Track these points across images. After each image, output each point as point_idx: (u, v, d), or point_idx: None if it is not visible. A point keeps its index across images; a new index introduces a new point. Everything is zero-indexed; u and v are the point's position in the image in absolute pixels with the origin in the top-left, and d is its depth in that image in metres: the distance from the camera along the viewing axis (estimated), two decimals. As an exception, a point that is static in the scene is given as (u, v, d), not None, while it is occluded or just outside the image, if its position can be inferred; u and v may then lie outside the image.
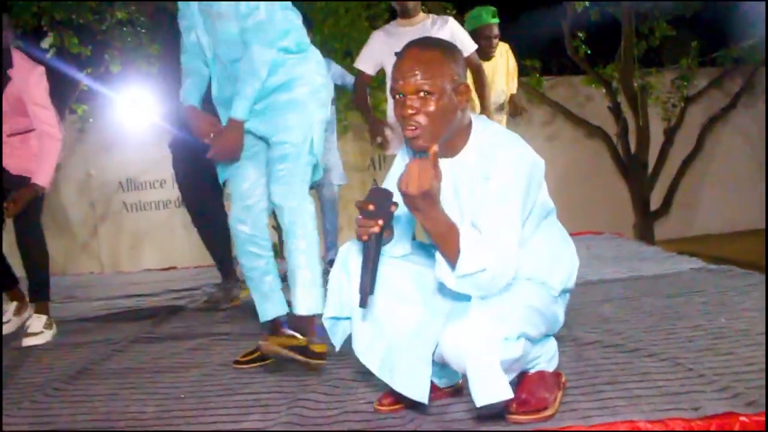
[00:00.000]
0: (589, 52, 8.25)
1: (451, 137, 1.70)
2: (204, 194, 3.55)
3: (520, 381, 1.80)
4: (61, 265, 7.57)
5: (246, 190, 2.49)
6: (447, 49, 1.69)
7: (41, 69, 3.14)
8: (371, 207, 1.61)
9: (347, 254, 1.82)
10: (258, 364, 2.41)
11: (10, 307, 3.39)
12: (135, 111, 8.60)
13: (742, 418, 1.64)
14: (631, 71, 8.02)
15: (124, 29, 7.52)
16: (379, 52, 3.47)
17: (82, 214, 8.68)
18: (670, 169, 8.53)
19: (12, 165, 3.19)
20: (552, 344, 1.87)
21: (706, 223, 9.10)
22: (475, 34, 3.87)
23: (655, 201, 8.35)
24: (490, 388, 1.58)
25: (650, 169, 8.24)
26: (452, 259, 1.58)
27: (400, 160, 1.88)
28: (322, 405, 2.00)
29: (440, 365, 1.80)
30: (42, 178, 3.10)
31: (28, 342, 3.07)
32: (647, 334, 2.46)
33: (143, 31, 7.43)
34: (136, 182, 9.11)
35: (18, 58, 3.13)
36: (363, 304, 1.64)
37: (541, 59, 8.58)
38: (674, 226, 8.80)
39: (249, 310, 2.94)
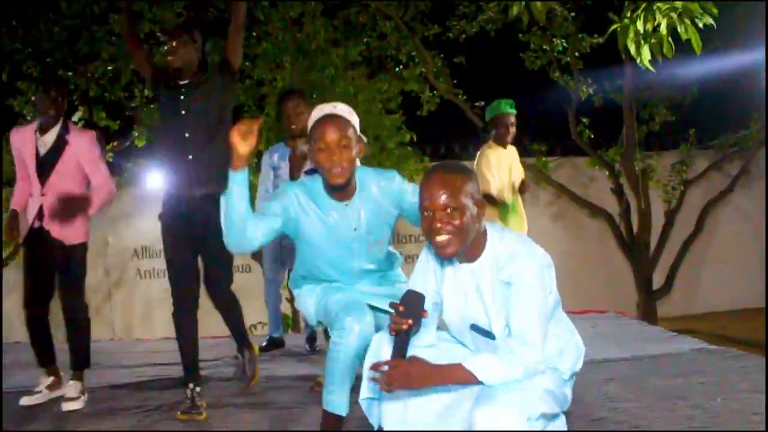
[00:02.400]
0: (592, 136, 8.64)
1: (472, 244, 1.98)
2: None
3: None
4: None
5: None
6: (466, 170, 1.99)
7: (93, 132, 3.58)
8: (402, 309, 1.90)
9: (379, 343, 2.06)
10: None
11: (45, 381, 3.50)
12: (153, 182, 8.97)
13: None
14: (632, 154, 8.38)
15: (151, 106, 7.94)
16: None
17: (96, 280, 8.91)
18: (672, 248, 8.79)
19: (54, 227, 3.41)
20: (562, 420, 2.09)
21: (708, 302, 9.31)
22: (494, 122, 4.49)
23: (658, 280, 8.58)
24: None
25: (652, 249, 8.49)
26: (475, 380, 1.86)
27: (425, 260, 2.14)
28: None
29: None
30: (93, 206, 3.44)
31: (68, 407, 3.26)
32: (650, 413, 2.66)
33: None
34: (150, 250, 9.38)
35: (71, 125, 3.54)
36: None
37: (547, 142, 8.97)
38: (677, 304, 9.00)
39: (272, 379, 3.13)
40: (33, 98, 3.55)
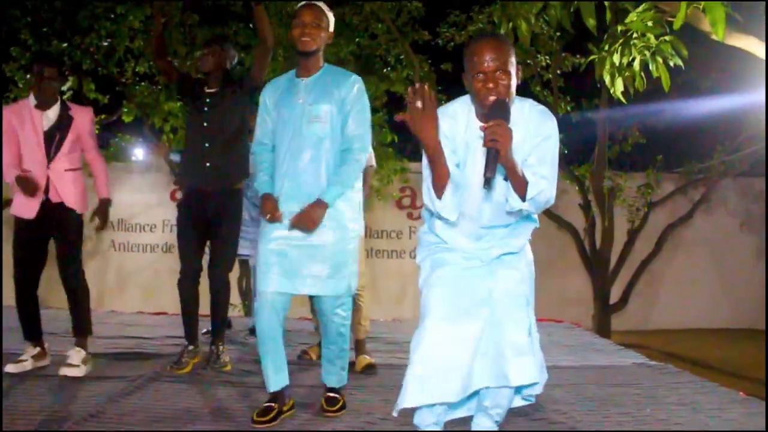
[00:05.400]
0: (566, 151, 8.97)
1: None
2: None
3: None
4: (42, 297, 7.88)
5: None
6: (509, 41, 2.23)
7: (91, 108, 3.88)
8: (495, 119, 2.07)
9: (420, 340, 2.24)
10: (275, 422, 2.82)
11: (30, 351, 3.65)
12: (137, 159, 9.12)
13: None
14: (602, 173, 8.72)
15: (142, 83, 8.10)
16: None
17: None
18: (631, 266, 9.18)
19: (65, 197, 3.62)
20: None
21: (661, 319, 9.76)
22: None
23: (615, 295, 8.96)
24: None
25: (612, 265, 8.86)
26: (520, 188, 2.11)
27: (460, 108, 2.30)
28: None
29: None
30: (105, 191, 3.77)
31: (64, 372, 3.45)
32: (586, 416, 2.99)
33: (160, 88, 8.00)
34: (126, 223, 9.52)
35: (69, 102, 3.78)
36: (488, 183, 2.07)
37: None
38: (631, 319, 9.43)
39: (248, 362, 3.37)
40: (28, 74, 3.73)
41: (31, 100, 3.67)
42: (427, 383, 2.15)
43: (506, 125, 2.05)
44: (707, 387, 3.56)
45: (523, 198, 2.13)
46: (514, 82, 2.17)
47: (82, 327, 3.68)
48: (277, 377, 2.86)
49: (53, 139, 3.62)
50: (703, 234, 9.95)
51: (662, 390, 3.48)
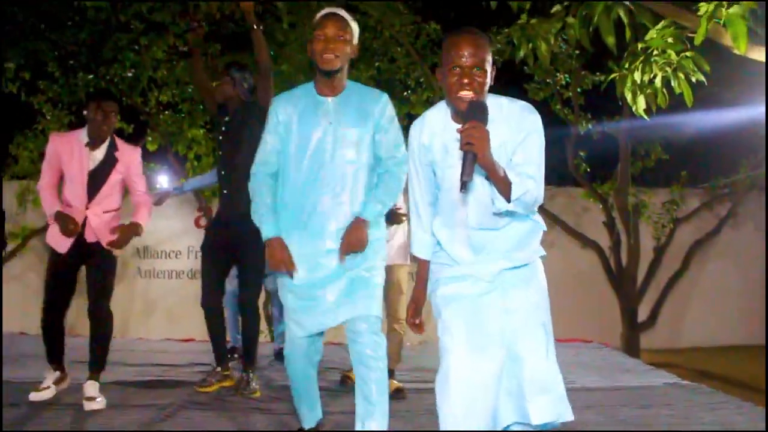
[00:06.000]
0: (588, 169, 8.92)
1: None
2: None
3: None
4: (70, 324, 7.98)
5: None
6: (487, 36, 2.21)
7: (139, 149, 3.83)
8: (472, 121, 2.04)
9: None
10: None
11: (51, 376, 3.67)
12: (161, 186, 9.23)
13: None
14: (626, 190, 8.64)
15: (166, 112, 8.21)
16: None
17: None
18: (658, 283, 9.06)
19: (101, 237, 3.59)
20: None
21: (691, 337, 9.58)
22: None
23: (643, 313, 8.84)
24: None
25: (639, 283, 8.75)
26: (504, 189, 2.08)
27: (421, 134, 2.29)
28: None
29: None
30: (142, 220, 3.68)
31: (90, 407, 3.45)
32: (619, 439, 2.93)
33: (183, 116, 8.11)
34: (152, 250, 9.61)
35: (118, 141, 3.73)
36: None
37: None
38: (660, 338, 9.26)
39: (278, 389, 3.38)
40: (84, 111, 3.71)
41: (83, 136, 3.63)
42: (455, 426, 2.11)
43: (482, 127, 2.02)
44: (744, 407, 3.49)
45: (508, 199, 2.09)
46: (488, 81, 2.16)
47: (101, 363, 3.64)
48: (311, 414, 2.83)
49: (96, 179, 3.61)
50: (731, 249, 9.79)
51: (696, 411, 3.41)
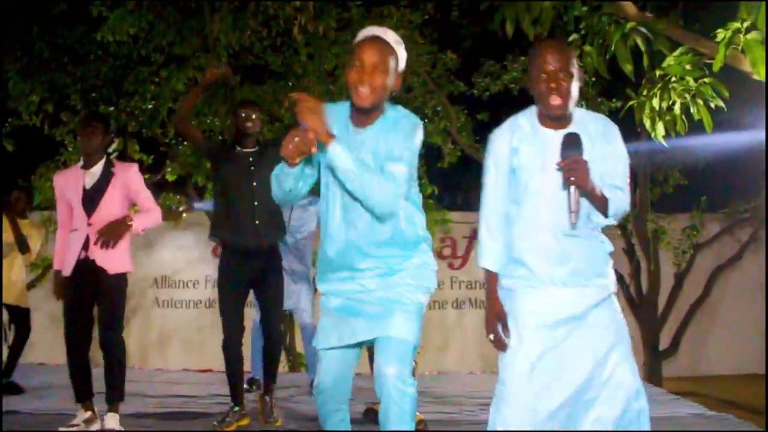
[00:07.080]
0: (607, 196, 8.86)
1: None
2: None
3: None
4: (91, 355, 8.02)
5: None
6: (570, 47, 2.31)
7: (136, 164, 3.91)
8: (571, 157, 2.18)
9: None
10: None
11: (82, 415, 3.63)
12: (180, 216, 9.30)
13: None
14: (645, 216, 8.58)
15: (185, 143, 8.29)
16: None
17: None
18: (680, 310, 8.92)
19: (105, 262, 3.59)
20: None
21: (714, 365, 9.42)
22: None
23: (665, 341, 8.70)
24: None
25: (660, 310, 8.63)
26: (601, 206, 2.22)
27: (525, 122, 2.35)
28: None
29: None
30: (139, 224, 3.64)
31: None
32: (646, 472, 2.85)
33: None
34: (170, 280, 9.66)
35: (115, 161, 3.84)
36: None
37: (562, 198, 9.18)
38: (683, 365, 9.11)
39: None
40: (76, 133, 3.83)
41: (81, 162, 3.76)
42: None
43: (582, 160, 2.13)
44: (773, 438, 3.41)
45: (605, 214, 2.24)
46: (576, 85, 2.22)
47: (118, 393, 3.63)
48: None
49: (93, 196, 3.64)
50: (754, 275, 9.62)
51: (724, 442, 3.34)
